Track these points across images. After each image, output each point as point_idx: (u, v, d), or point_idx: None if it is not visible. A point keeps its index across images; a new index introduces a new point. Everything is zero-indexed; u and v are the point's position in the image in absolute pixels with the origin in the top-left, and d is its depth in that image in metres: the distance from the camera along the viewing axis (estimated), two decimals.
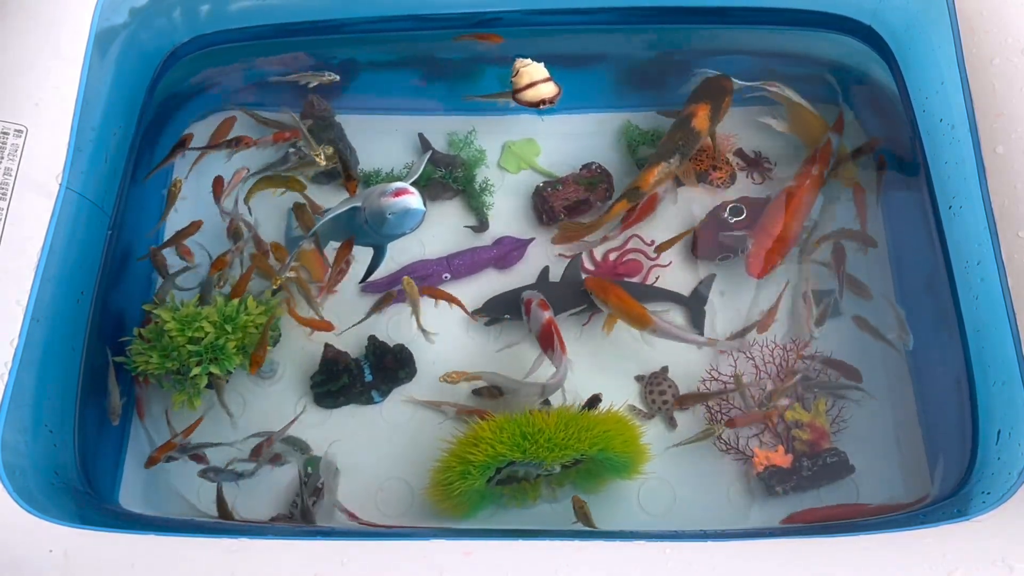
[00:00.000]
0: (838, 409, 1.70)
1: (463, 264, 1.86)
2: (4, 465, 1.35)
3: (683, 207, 1.90)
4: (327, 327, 1.73)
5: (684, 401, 1.71)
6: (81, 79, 1.59)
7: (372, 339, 1.78)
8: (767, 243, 1.77)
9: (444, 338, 1.76)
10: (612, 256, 1.88)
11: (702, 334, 1.80)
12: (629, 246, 1.89)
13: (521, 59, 1.80)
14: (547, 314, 1.68)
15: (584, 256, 1.88)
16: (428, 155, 1.87)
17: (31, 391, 1.47)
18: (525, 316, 1.72)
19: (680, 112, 1.85)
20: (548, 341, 1.66)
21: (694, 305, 1.83)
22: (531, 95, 1.77)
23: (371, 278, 1.78)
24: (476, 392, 1.74)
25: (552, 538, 1.28)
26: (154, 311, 1.68)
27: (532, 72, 1.78)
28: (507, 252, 1.87)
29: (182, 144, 1.84)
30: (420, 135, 1.97)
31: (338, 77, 1.90)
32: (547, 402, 1.68)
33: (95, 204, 1.69)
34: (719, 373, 1.75)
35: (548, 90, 1.77)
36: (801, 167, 1.86)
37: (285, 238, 1.87)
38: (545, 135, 1.98)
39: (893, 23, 1.88)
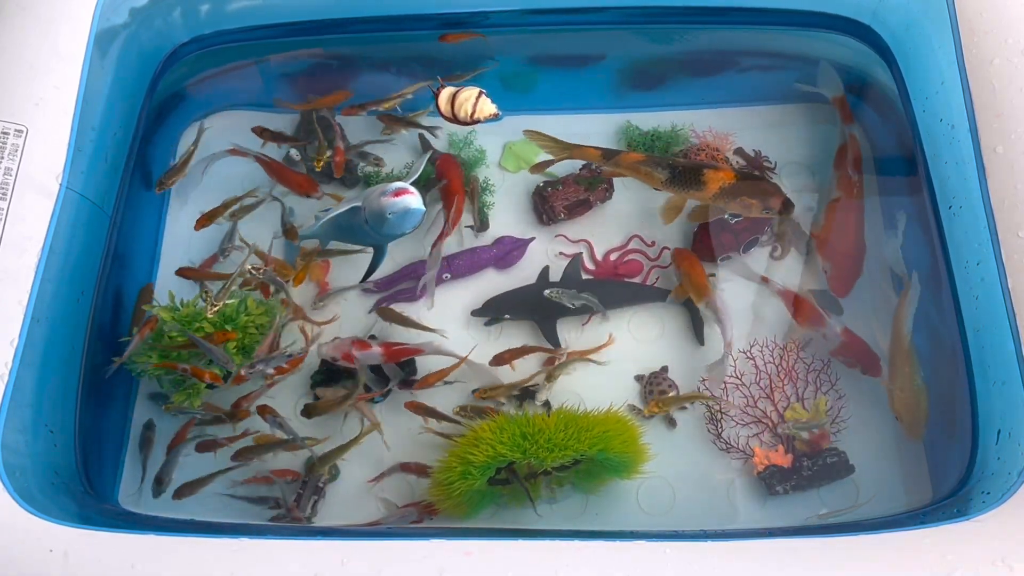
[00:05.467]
0: (838, 409, 1.70)
1: (463, 264, 1.86)
2: (4, 465, 1.34)
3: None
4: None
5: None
6: (81, 79, 1.59)
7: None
8: (847, 264, 1.78)
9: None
10: (613, 256, 1.88)
11: (702, 336, 1.80)
12: (631, 246, 1.89)
13: (487, 102, 1.74)
14: (373, 347, 1.69)
15: (584, 255, 1.88)
16: (428, 155, 1.87)
17: (31, 391, 1.47)
18: (355, 365, 1.70)
19: (714, 163, 1.81)
20: (397, 355, 1.70)
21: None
22: (443, 99, 1.75)
23: (371, 278, 1.78)
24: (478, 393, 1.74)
25: (552, 538, 1.28)
26: (154, 311, 1.68)
27: (463, 102, 1.73)
28: (507, 252, 1.87)
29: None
30: (420, 135, 1.97)
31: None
32: (548, 404, 1.69)
33: (95, 204, 1.69)
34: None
35: (444, 108, 1.75)
36: (837, 174, 1.85)
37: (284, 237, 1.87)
38: None
39: (893, 23, 1.88)
